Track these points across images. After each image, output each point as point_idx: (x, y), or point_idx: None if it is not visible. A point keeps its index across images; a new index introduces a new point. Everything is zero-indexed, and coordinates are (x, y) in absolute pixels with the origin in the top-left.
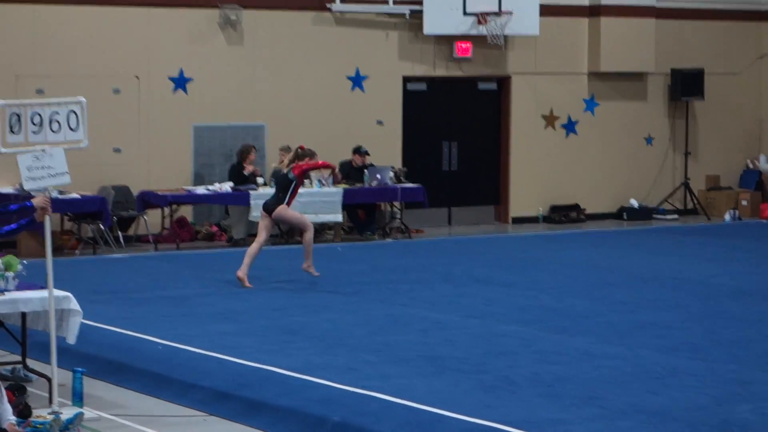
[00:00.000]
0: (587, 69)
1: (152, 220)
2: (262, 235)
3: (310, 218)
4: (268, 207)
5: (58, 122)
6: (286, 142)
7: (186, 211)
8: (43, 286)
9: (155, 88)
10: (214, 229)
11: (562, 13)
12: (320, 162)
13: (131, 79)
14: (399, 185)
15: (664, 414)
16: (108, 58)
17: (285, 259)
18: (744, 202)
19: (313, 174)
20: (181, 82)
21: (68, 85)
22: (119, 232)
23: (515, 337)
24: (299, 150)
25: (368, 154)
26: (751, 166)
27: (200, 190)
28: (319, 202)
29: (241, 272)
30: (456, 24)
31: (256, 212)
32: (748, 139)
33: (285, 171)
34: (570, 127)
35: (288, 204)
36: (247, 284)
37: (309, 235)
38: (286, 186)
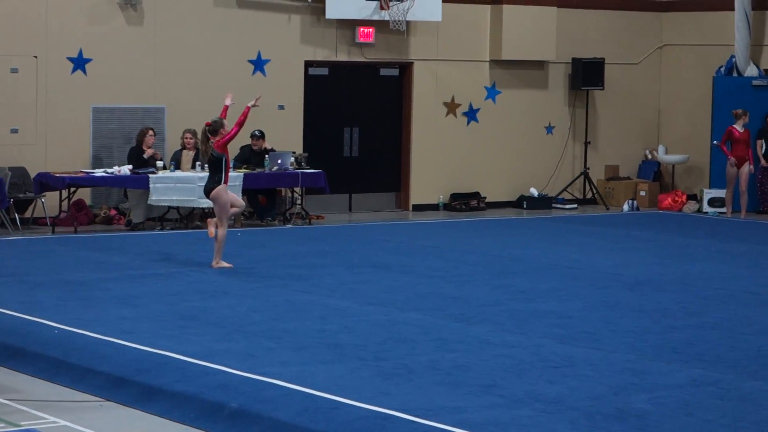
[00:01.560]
0: (489, 57)
1: (50, 202)
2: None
3: (209, 203)
4: (207, 190)
5: None
6: (186, 124)
7: (84, 194)
8: None
9: (54, 68)
10: (113, 212)
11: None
12: (233, 130)
13: (29, 59)
14: (300, 171)
15: (561, 403)
16: (5, 37)
17: (183, 244)
18: (642, 193)
19: None
20: (80, 63)
21: None
22: (16, 215)
23: (415, 325)
24: (206, 127)
25: (262, 138)
26: (649, 156)
27: (99, 172)
28: None
29: (216, 260)
30: (358, 9)
31: (155, 195)
32: (647, 129)
33: (209, 153)
34: (471, 114)
35: (225, 182)
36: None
37: (223, 231)
38: (217, 166)
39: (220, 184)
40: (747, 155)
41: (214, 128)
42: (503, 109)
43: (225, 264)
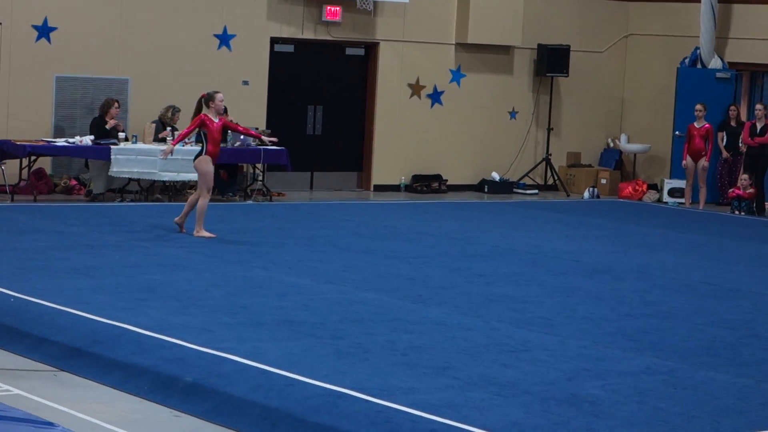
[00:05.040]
0: (455, 39)
1: (10, 170)
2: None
3: (170, 176)
4: (194, 159)
5: None
6: (149, 97)
7: (44, 163)
8: None
9: (18, 35)
10: (73, 182)
11: None
12: (216, 125)
13: None
14: (262, 147)
15: (516, 386)
16: None
17: (143, 216)
18: (603, 181)
19: (176, 133)
20: (44, 31)
21: None
22: None
23: (371, 305)
24: (202, 98)
25: (225, 113)
26: (611, 144)
27: (60, 142)
28: (181, 161)
29: (196, 232)
30: None
31: (116, 167)
32: (610, 117)
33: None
34: (435, 97)
35: (208, 153)
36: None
37: (203, 201)
38: (198, 138)
39: (201, 155)
40: (704, 150)
41: (208, 98)
42: (467, 92)
43: (206, 233)
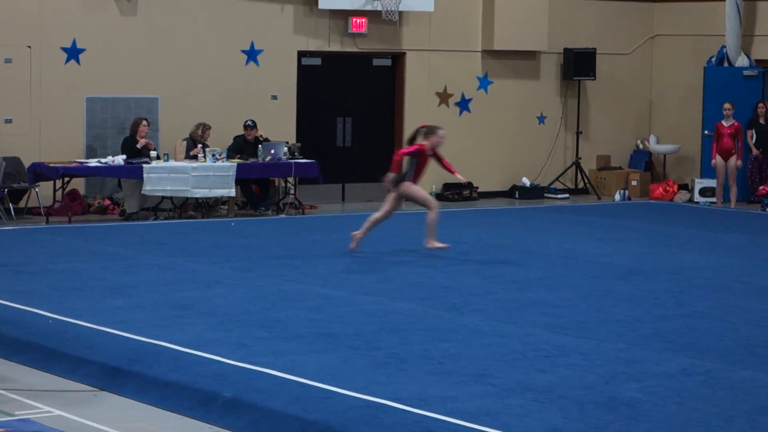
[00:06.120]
0: (481, 47)
1: (44, 192)
2: (386, 206)
3: (203, 193)
4: (396, 180)
5: None
6: (179, 115)
7: (78, 184)
8: None
9: (48, 58)
10: (107, 202)
11: None
12: (424, 153)
13: (23, 49)
14: (293, 161)
15: (553, 391)
16: (0, 27)
17: (177, 234)
18: (634, 182)
19: (207, 150)
20: (73, 53)
21: None
22: (10, 204)
23: (406, 315)
24: (422, 129)
25: (255, 127)
26: (641, 146)
27: (93, 162)
28: (212, 177)
29: (358, 232)
30: None
31: (149, 185)
32: (639, 119)
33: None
34: (463, 104)
35: (414, 181)
36: (354, 244)
37: (432, 214)
38: (408, 163)
39: (407, 179)
40: (733, 148)
41: (428, 131)
42: (495, 99)
43: (439, 244)
